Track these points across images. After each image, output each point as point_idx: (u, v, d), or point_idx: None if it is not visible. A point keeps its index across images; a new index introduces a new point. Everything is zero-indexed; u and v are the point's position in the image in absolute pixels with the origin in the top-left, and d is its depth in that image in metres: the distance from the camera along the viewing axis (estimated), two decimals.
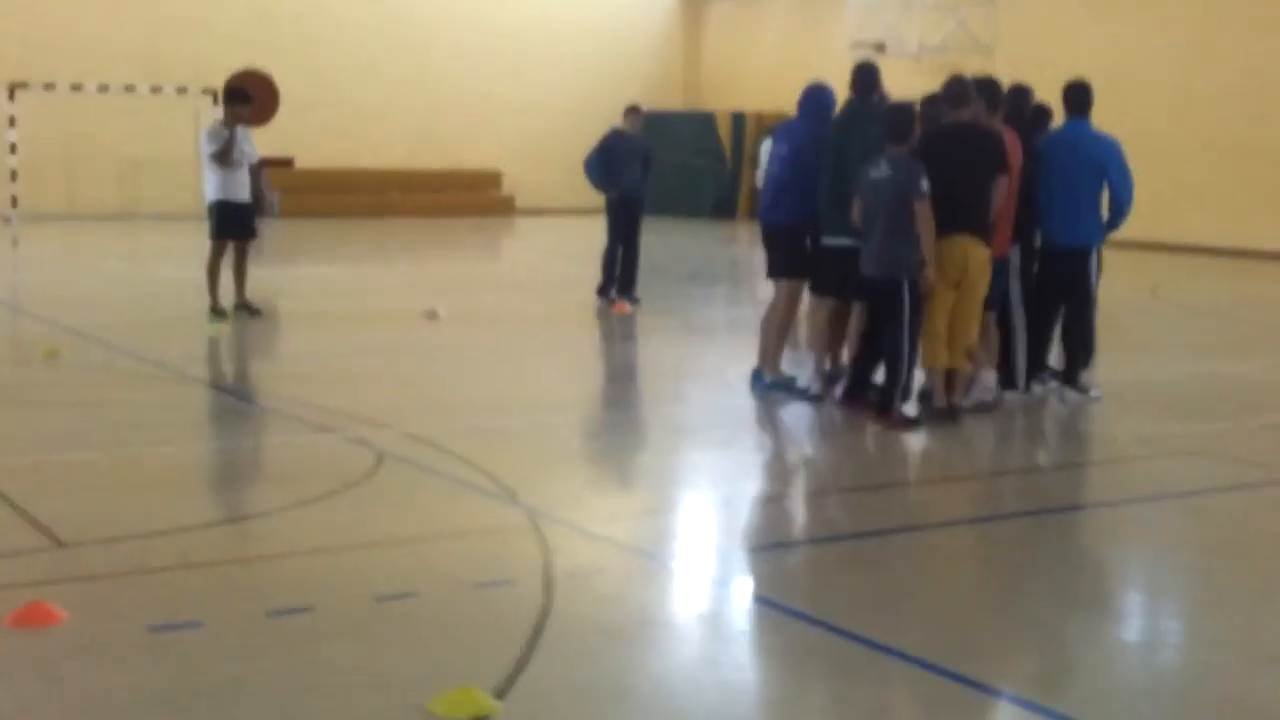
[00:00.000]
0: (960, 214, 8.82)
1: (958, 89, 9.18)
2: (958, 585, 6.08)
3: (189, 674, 4.63)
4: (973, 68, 25.82)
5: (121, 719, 4.33)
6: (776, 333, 9.84)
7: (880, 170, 8.78)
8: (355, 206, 29.32)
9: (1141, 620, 5.64)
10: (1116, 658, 5.05)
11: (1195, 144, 23.18)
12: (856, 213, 8.98)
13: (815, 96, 9.78)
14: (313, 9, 30.06)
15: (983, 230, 8.93)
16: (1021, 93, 9.94)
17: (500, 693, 4.47)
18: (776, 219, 9.80)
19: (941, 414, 8.97)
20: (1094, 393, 9.88)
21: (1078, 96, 9.89)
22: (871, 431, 8.84)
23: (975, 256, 8.89)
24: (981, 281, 8.99)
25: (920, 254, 8.67)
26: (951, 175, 8.76)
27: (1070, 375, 9.93)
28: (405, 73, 30.90)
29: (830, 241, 9.43)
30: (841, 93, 9.71)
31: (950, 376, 9.07)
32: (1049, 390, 10.02)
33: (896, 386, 8.81)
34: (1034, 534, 6.85)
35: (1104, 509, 7.53)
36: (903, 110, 9.00)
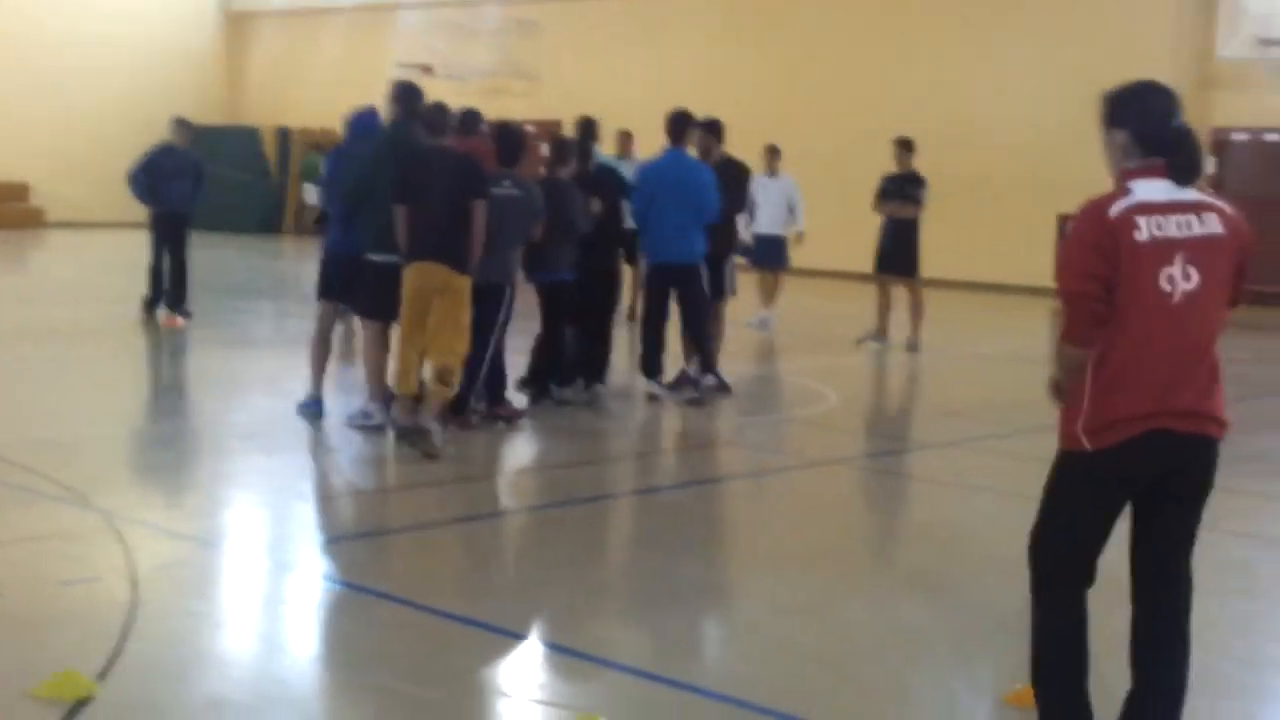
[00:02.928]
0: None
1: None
2: (521, 564, 6.72)
3: None
4: (518, 94, 27.26)
5: None
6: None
7: (504, 189, 9.25)
8: None
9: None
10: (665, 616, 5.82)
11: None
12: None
13: (363, 121, 9.84)
14: None
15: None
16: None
17: (100, 675, 4.73)
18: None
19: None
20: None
21: (674, 125, 10.79)
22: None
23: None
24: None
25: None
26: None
27: (706, 365, 10.93)
28: None
29: (379, 258, 9.13)
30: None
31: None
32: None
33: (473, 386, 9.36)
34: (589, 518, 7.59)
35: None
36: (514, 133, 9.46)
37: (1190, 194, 3.99)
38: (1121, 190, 3.98)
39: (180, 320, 14.51)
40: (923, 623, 5.80)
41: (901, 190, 14.80)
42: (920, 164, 14.97)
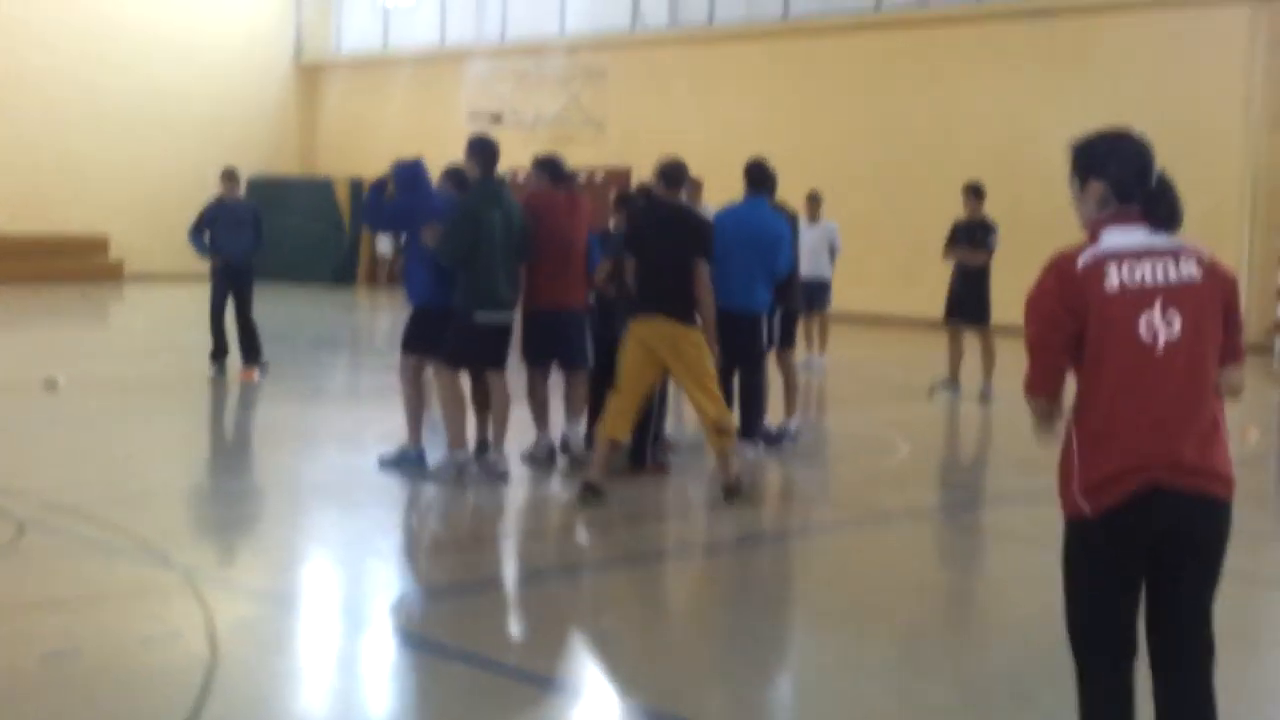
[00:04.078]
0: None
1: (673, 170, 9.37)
2: (597, 621, 6.72)
3: None
4: (586, 141, 27.46)
5: None
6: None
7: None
8: None
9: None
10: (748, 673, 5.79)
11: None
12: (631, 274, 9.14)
13: (408, 171, 9.93)
14: None
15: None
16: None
17: None
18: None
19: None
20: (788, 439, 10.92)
21: (753, 175, 10.68)
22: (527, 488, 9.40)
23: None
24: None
25: None
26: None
27: (746, 430, 10.59)
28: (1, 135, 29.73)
29: (488, 318, 9.37)
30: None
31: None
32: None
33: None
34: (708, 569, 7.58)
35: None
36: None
37: (1165, 240, 3.91)
38: (1091, 239, 3.94)
39: (255, 374, 14.65)
40: (1003, 681, 5.74)
41: (972, 237, 14.74)
42: (987, 207, 14.92)
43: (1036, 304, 3.93)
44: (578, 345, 10.09)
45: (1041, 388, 3.94)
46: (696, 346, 8.86)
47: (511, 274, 9.49)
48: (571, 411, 10.35)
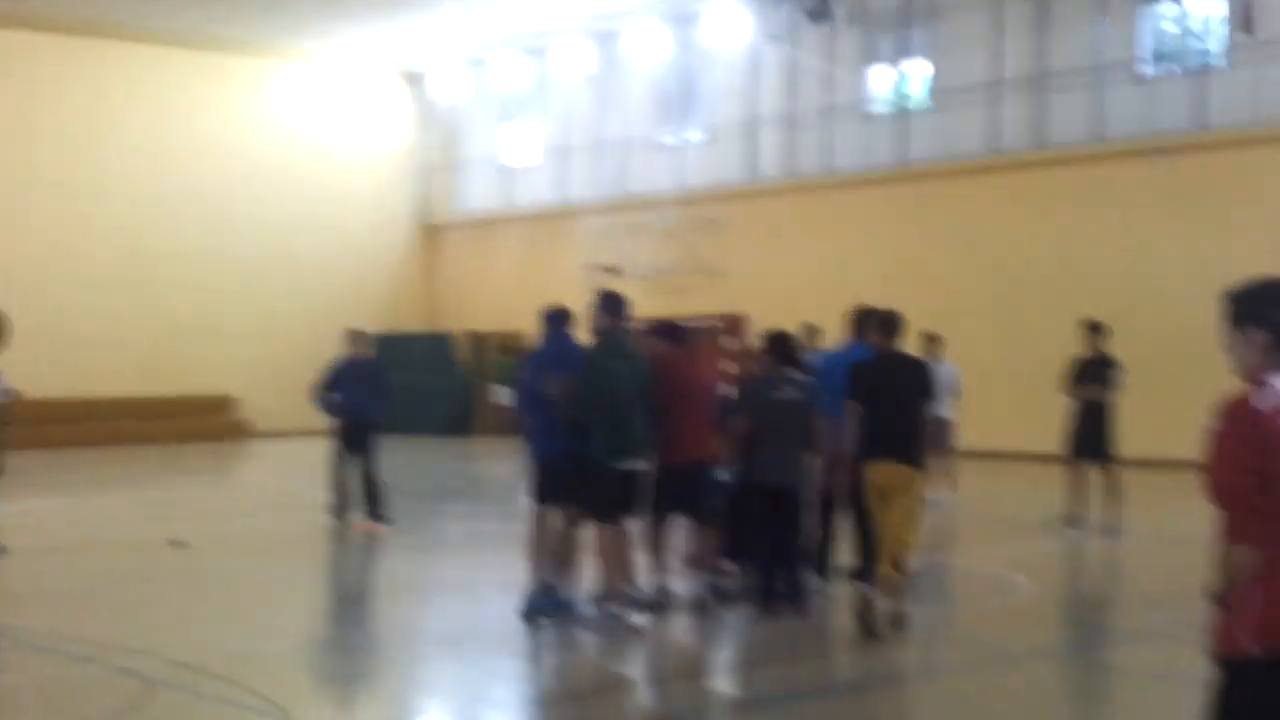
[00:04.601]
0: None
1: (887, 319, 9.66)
2: None
3: None
4: (703, 289, 27.68)
5: None
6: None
7: (787, 393, 9.82)
8: (85, 435, 28.66)
9: None
10: None
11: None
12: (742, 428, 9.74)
13: (556, 318, 10.14)
14: (43, 239, 29.79)
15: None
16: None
17: None
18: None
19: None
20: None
21: (858, 321, 10.58)
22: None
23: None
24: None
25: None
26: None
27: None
28: (136, 305, 30.79)
29: (626, 466, 9.55)
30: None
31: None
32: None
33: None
34: None
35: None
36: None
37: None
38: (1259, 384, 3.91)
39: (380, 527, 14.76)
40: None
41: (1098, 373, 14.56)
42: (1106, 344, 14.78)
43: (1225, 449, 3.88)
44: (707, 499, 10.12)
45: (1242, 534, 3.85)
46: (920, 491, 9.39)
47: (643, 423, 9.60)
48: (707, 563, 10.29)
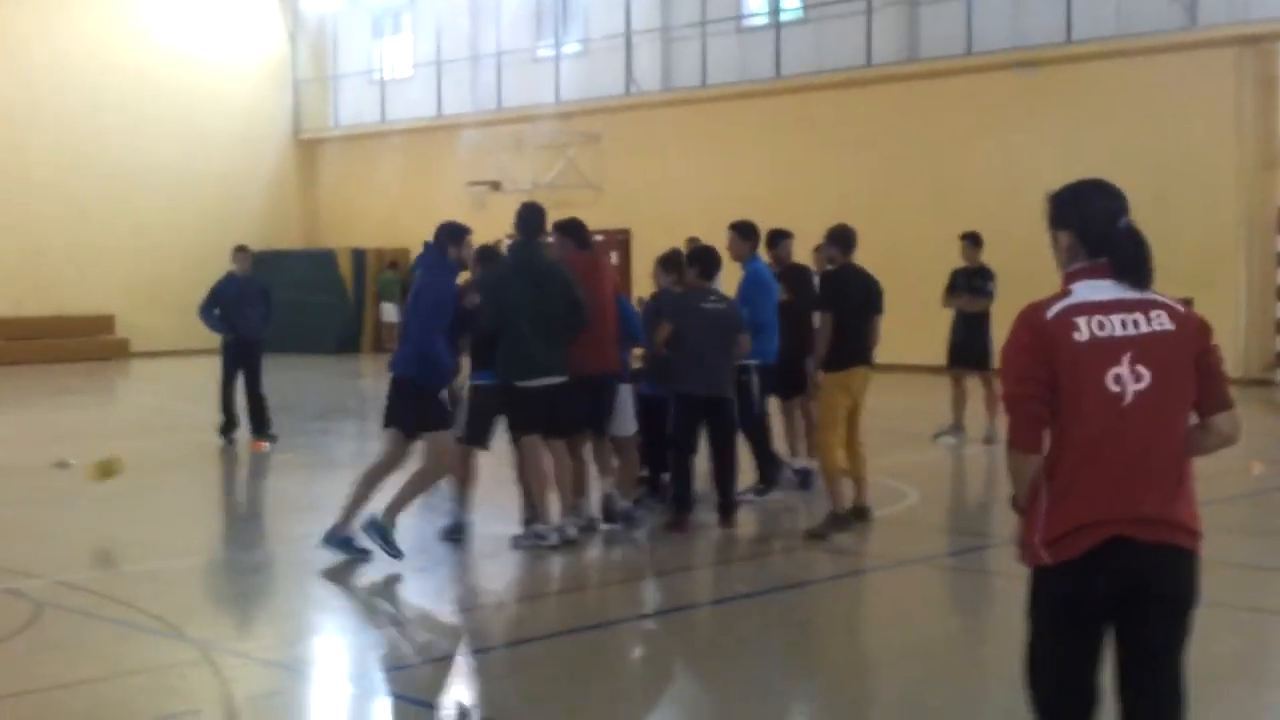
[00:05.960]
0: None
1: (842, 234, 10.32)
2: (611, 679, 6.76)
3: None
4: (585, 204, 27.64)
5: None
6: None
7: (712, 304, 9.94)
8: None
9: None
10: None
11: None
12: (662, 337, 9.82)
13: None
14: None
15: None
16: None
17: None
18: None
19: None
20: None
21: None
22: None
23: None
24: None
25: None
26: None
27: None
28: (5, 221, 29.96)
29: (534, 383, 9.28)
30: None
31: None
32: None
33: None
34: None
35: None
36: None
37: (1136, 292, 3.88)
38: (1063, 292, 3.91)
39: (265, 445, 14.77)
40: None
41: (970, 284, 14.86)
42: (985, 255, 15.06)
43: (1011, 358, 3.92)
44: (617, 411, 10.02)
45: (1023, 442, 3.89)
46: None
47: (551, 340, 9.29)
48: (624, 479, 10.21)
